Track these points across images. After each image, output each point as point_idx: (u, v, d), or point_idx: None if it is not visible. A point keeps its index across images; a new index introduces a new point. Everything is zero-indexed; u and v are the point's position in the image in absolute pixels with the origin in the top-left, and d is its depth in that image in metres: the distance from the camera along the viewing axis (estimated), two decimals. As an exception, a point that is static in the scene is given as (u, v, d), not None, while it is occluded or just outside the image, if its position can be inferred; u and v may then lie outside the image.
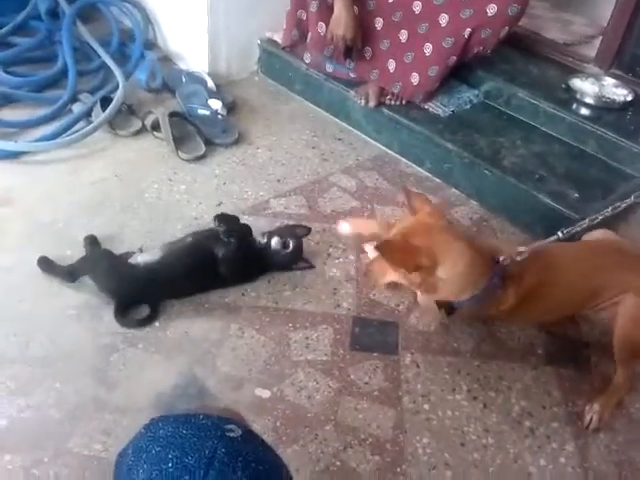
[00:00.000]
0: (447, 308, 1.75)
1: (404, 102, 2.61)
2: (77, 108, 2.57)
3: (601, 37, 2.81)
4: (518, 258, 1.65)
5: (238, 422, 0.97)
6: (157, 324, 1.81)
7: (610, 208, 1.78)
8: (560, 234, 1.70)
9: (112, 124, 2.53)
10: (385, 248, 1.60)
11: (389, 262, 1.64)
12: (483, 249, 1.70)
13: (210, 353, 1.75)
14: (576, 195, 2.19)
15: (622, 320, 1.70)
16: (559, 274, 1.73)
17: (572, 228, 1.73)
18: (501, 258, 1.66)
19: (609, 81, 2.66)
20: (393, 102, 2.62)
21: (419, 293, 1.80)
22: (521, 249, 1.67)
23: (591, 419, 1.69)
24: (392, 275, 1.70)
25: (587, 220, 1.76)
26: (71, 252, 2.01)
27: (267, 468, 0.88)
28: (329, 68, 2.73)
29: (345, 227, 2.07)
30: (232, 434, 0.91)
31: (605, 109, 2.52)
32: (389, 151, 2.64)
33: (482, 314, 1.83)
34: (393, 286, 1.84)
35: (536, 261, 1.69)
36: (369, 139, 2.69)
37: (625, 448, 1.65)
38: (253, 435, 0.96)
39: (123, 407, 1.60)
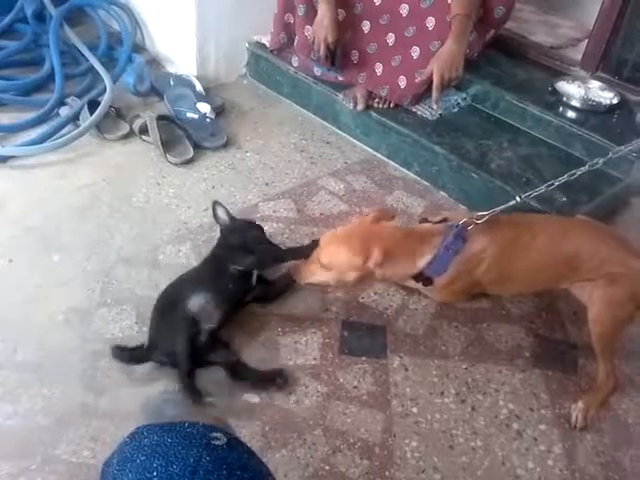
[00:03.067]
0: (423, 280, 1.81)
1: (392, 105, 2.62)
2: (64, 112, 2.56)
3: (587, 40, 2.84)
4: (479, 221, 1.75)
5: (224, 430, 0.97)
6: (144, 328, 1.80)
7: (566, 175, 1.83)
8: (518, 198, 1.78)
9: (100, 128, 2.52)
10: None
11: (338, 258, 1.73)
12: (423, 226, 1.85)
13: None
14: (564, 198, 2.21)
15: (595, 309, 1.73)
16: (532, 236, 1.79)
17: (530, 193, 1.82)
18: (461, 221, 1.76)
19: (595, 84, 2.68)
20: (381, 105, 2.62)
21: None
22: (482, 214, 1.77)
23: (577, 418, 1.71)
24: (321, 277, 1.78)
25: (544, 186, 1.83)
26: (59, 257, 2.01)
27: (252, 476, 0.88)
28: (317, 71, 2.74)
29: None
30: (217, 442, 0.91)
31: (591, 112, 2.54)
32: (377, 154, 2.65)
33: (468, 282, 1.82)
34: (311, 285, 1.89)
35: (507, 223, 1.80)
36: (357, 142, 2.70)
37: (612, 449, 1.66)
38: (239, 443, 0.96)
39: (111, 413, 1.60)
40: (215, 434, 0.93)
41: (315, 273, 1.78)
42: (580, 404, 1.72)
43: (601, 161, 1.85)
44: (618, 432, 1.71)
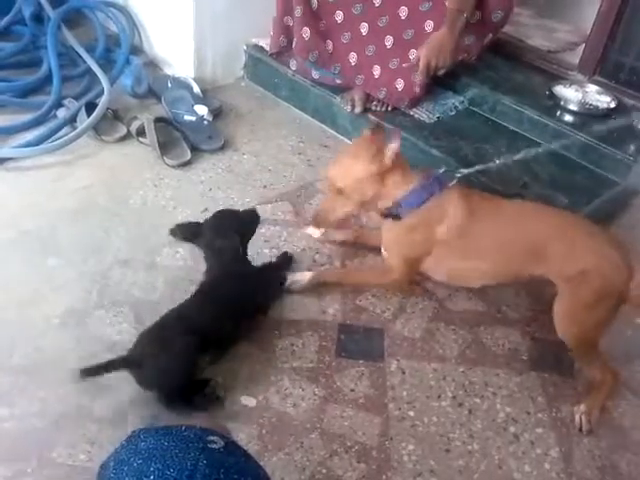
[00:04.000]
0: (393, 214, 1.89)
1: (390, 108, 2.62)
2: (62, 114, 2.56)
3: (584, 44, 2.84)
4: (458, 175, 1.92)
5: (221, 434, 0.97)
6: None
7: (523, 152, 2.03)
8: (497, 160, 1.99)
9: (97, 130, 2.52)
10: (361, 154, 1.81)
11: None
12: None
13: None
14: (565, 200, 2.20)
15: (563, 309, 1.76)
16: (501, 213, 1.87)
17: (508, 156, 2.02)
18: (441, 170, 1.93)
19: (592, 88, 2.69)
20: (379, 108, 2.63)
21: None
22: (462, 170, 1.95)
23: (582, 421, 1.70)
24: (343, 207, 1.88)
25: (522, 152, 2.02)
26: (55, 260, 2.00)
27: (249, 478, 0.88)
28: (315, 74, 2.74)
29: (317, 230, 2.15)
30: (214, 445, 0.91)
31: (588, 116, 2.55)
32: (375, 157, 2.64)
33: (426, 240, 1.89)
34: (342, 223, 1.99)
35: (484, 196, 1.92)
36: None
37: (608, 453, 1.66)
38: (236, 446, 0.96)
39: (107, 416, 1.59)
40: (212, 437, 0.93)
41: (336, 207, 1.88)
42: (582, 407, 1.72)
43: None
44: (614, 436, 1.71)
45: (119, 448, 0.93)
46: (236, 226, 1.84)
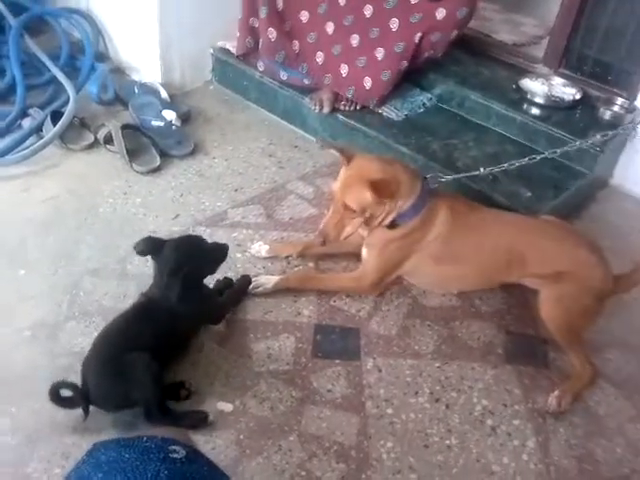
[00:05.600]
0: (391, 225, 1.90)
1: (358, 107, 2.63)
2: (27, 123, 2.52)
3: (549, 37, 2.87)
4: (442, 179, 1.97)
5: (183, 443, 0.96)
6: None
7: (527, 158, 2.11)
8: (482, 169, 2.05)
9: (64, 139, 2.48)
10: (379, 184, 1.77)
11: (384, 196, 1.79)
12: (412, 168, 1.97)
13: (170, 370, 1.71)
14: (529, 194, 2.23)
15: (545, 307, 1.82)
16: (484, 222, 1.94)
17: (492, 168, 2.08)
18: (428, 176, 1.96)
19: (558, 80, 2.72)
20: (348, 107, 2.63)
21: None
22: (447, 177, 2.01)
23: (552, 404, 1.73)
24: (352, 224, 1.85)
25: (506, 164, 2.10)
26: (24, 272, 1.97)
27: (212, 487, 0.87)
28: (283, 75, 2.73)
29: (262, 249, 2.10)
30: (176, 455, 0.90)
31: (555, 108, 2.57)
32: (346, 156, 2.64)
33: (414, 246, 1.92)
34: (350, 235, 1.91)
35: (467, 205, 1.96)
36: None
37: (584, 441, 1.68)
38: (198, 455, 0.95)
39: (82, 429, 1.57)
40: (174, 447, 0.92)
41: (345, 224, 1.85)
42: (556, 392, 1.75)
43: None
44: (590, 424, 1.73)
45: (80, 463, 0.92)
46: (197, 259, 1.70)
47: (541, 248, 1.87)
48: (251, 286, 1.95)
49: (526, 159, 2.10)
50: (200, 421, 1.61)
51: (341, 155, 1.88)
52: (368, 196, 1.78)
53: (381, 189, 1.77)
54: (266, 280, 1.97)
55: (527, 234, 1.92)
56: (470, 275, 1.98)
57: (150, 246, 1.69)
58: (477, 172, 2.05)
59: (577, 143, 2.24)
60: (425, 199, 1.89)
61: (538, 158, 2.11)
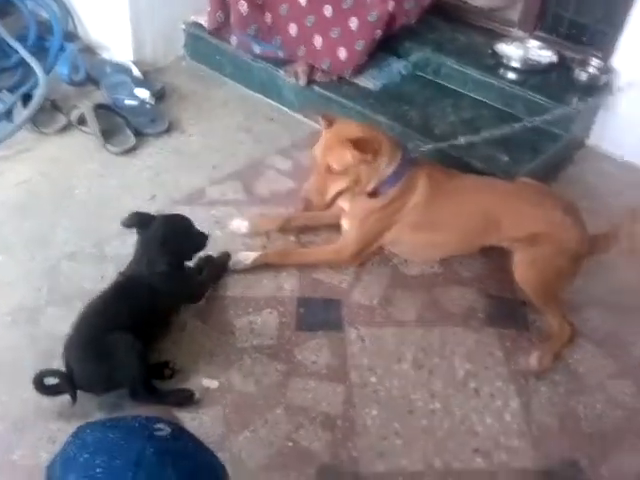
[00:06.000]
0: (373, 193, 1.90)
1: (334, 78, 2.60)
2: (-4, 108, 2.47)
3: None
4: (422, 149, 2.01)
5: (168, 420, 0.97)
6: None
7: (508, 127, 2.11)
8: (462, 139, 2.06)
9: (35, 122, 2.44)
10: (360, 142, 1.78)
11: (366, 152, 1.78)
12: (393, 138, 1.97)
13: (154, 350, 1.71)
14: (506, 158, 2.23)
15: (519, 270, 1.84)
16: (461, 187, 1.95)
17: (471, 137, 2.11)
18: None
19: (534, 44, 2.70)
20: (323, 79, 2.60)
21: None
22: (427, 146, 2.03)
23: (532, 363, 1.76)
24: (336, 184, 1.84)
25: (488, 133, 2.12)
26: (1, 258, 1.95)
27: (198, 464, 0.88)
28: (257, 49, 2.70)
29: (241, 226, 2.08)
30: (161, 433, 0.91)
31: (531, 72, 2.56)
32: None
33: (395, 215, 1.93)
34: (332, 202, 1.90)
35: (445, 172, 1.96)
36: (302, 118, 2.67)
37: (566, 399, 1.72)
38: (183, 432, 0.96)
39: (68, 414, 1.57)
40: (158, 425, 0.93)
41: (329, 186, 1.84)
42: (535, 353, 1.78)
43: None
44: (571, 382, 1.76)
45: (65, 445, 0.93)
46: (184, 238, 1.74)
47: (516, 211, 1.88)
48: (230, 263, 1.95)
49: (507, 128, 2.09)
50: (186, 399, 1.62)
51: (322, 119, 1.89)
52: (349, 155, 1.79)
53: (362, 146, 1.78)
54: (245, 257, 1.97)
55: (502, 198, 1.92)
56: (450, 241, 1.99)
57: (138, 220, 1.70)
58: (456, 141, 2.05)
59: (556, 111, 2.24)
60: (405, 167, 1.89)
61: (517, 127, 2.10)
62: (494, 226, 1.88)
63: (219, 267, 1.93)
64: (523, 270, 1.83)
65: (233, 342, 1.77)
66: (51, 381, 1.55)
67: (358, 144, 1.78)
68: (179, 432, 0.94)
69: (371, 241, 1.98)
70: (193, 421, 1.57)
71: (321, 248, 2.08)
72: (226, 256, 1.95)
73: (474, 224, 1.91)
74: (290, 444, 1.56)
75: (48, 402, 1.59)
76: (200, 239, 1.78)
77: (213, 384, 1.67)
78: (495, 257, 2.04)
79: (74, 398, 1.55)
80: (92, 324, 1.61)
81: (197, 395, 1.63)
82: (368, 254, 2.02)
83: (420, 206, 1.91)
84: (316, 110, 1.95)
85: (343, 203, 1.96)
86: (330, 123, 1.88)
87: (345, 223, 2.01)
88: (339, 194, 1.87)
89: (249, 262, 1.95)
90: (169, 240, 1.67)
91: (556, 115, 2.22)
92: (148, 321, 1.66)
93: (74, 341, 1.59)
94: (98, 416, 1.56)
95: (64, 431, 1.53)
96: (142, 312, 1.64)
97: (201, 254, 1.87)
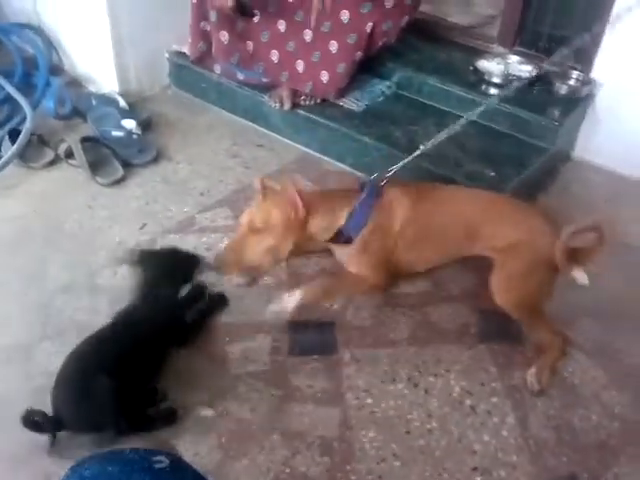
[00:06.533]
0: (343, 239, 1.84)
1: (318, 101, 2.63)
2: (-16, 145, 2.48)
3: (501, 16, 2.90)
4: (388, 174, 1.91)
5: (167, 452, 0.97)
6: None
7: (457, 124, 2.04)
8: (421, 146, 2.00)
9: (23, 157, 2.46)
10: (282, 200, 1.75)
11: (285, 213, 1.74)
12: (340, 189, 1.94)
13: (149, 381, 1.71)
14: (492, 173, 2.26)
15: (499, 291, 1.80)
16: (440, 200, 1.91)
17: (429, 143, 2.02)
18: (371, 177, 1.92)
19: (514, 59, 2.75)
20: (308, 102, 2.63)
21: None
22: (390, 169, 1.93)
23: (532, 383, 1.75)
24: (259, 246, 1.77)
25: (443, 134, 2.04)
26: (-8, 295, 1.96)
27: (197, 496, 0.88)
28: (240, 76, 2.73)
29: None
30: (160, 465, 0.91)
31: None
32: (310, 151, 2.65)
33: (384, 246, 1.86)
34: (251, 268, 1.84)
35: (420, 187, 1.94)
36: (289, 141, 2.70)
37: (562, 412, 1.72)
38: (182, 463, 0.96)
39: (63, 449, 1.56)
40: (157, 457, 0.93)
41: (250, 246, 1.77)
42: (532, 369, 1.77)
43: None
44: (566, 395, 1.76)
45: (64, 478, 0.93)
46: (181, 273, 1.80)
47: (493, 220, 1.86)
48: (276, 308, 1.84)
49: (457, 126, 2.04)
50: (170, 417, 1.62)
51: (260, 186, 1.85)
52: (273, 216, 1.75)
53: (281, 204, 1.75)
54: (288, 302, 1.83)
55: (479, 208, 1.90)
56: (435, 252, 1.96)
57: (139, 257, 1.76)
58: (418, 151, 2.00)
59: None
60: (370, 201, 1.83)
61: (458, 127, 2.05)
62: (473, 236, 1.86)
63: (211, 311, 1.91)
64: (502, 289, 1.80)
65: (228, 369, 1.77)
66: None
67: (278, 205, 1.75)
68: (178, 463, 0.94)
69: (386, 269, 1.90)
70: (189, 451, 1.56)
71: (355, 279, 1.93)
72: (222, 300, 1.94)
73: (456, 234, 1.89)
74: (287, 470, 1.55)
75: (43, 439, 1.58)
76: (195, 261, 1.82)
77: (209, 413, 1.67)
78: (485, 272, 2.04)
79: (52, 440, 1.54)
80: (76, 366, 1.60)
81: (192, 423, 1.63)
82: (391, 272, 1.93)
83: (405, 225, 1.86)
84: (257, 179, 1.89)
85: (331, 247, 1.93)
86: (264, 193, 1.83)
87: (346, 267, 1.93)
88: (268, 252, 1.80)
89: (293, 304, 1.81)
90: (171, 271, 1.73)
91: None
92: (144, 361, 1.65)
93: (59, 382, 1.58)
94: (92, 449, 1.56)
95: (61, 467, 1.48)
96: (135, 352, 1.63)
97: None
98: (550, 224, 1.82)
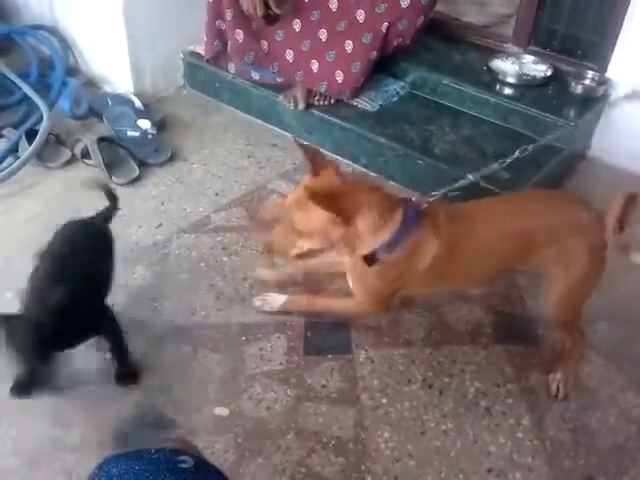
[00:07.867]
0: (369, 260, 1.61)
1: (332, 101, 2.63)
2: (2, 145, 2.50)
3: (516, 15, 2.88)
4: (430, 199, 1.66)
5: (191, 453, 0.98)
6: (107, 356, 1.78)
7: (497, 162, 1.85)
8: (470, 177, 1.77)
9: (41, 157, 2.47)
10: (324, 196, 1.47)
11: (329, 209, 1.48)
12: (390, 194, 1.64)
13: (165, 379, 1.73)
14: (507, 175, 2.25)
15: (557, 298, 1.64)
16: (482, 227, 1.64)
17: (479, 173, 1.81)
18: (413, 198, 1.65)
19: (528, 58, 2.73)
20: (322, 102, 2.63)
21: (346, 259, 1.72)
22: (434, 193, 1.70)
23: (558, 388, 1.74)
24: (302, 242, 1.61)
25: (496, 164, 1.85)
26: (12, 294, 1.97)
27: (221, 497, 0.89)
28: (255, 75, 2.73)
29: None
30: (184, 465, 0.93)
31: (527, 86, 2.59)
32: (324, 151, 2.62)
33: (402, 276, 1.66)
34: (301, 257, 1.70)
35: (457, 211, 1.66)
36: (303, 141, 2.68)
37: (578, 415, 1.71)
38: (206, 465, 0.98)
39: (82, 445, 1.58)
40: (182, 457, 0.94)
41: (294, 242, 1.62)
42: (559, 375, 1.75)
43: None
44: (583, 397, 1.75)
45: (91, 476, 0.95)
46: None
47: (548, 227, 1.62)
48: (258, 303, 1.93)
49: (517, 153, 1.86)
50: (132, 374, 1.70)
51: (309, 161, 1.59)
52: (316, 216, 1.51)
53: (332, 205, 1.48)
54: (274, 300, 1.91)
55: (530, 215, 1.66)
56: (481, 273, 1.76)
57: None
58: (466, 181, 1.76)
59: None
60: (409, 227, 1.58)
61: (526, 151, 1.89)
62: (529, 247, 1.64)
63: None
64: (561, 306, 1.65)
65: (243, 369, 1.78)
66: None
67: (329, 202, 1.47)
68: (202, 464, 0.95)
69: (384, 300, 1.74)
70: (206, 450, 1.57)
71: (344, 301, 1.85)
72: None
73: (506, 251, 1.67)
74: (303, 470, 1.56)
75: (62, 434, 1.60)
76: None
77: (224, 412, 1.68)
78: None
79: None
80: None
81: (207, 422, 1.64)
82: (392, 303, 1.77)
83: (441, 256, 1.61)
84: (306, 148, 1.63)
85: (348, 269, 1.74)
86: (317, 170, 1.58)
87: (348, 277, 1.77)
88: (314, 252, 1.65)
89: (276, 307, 1.91)
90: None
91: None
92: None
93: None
94: (112, 446, 1.58)
95: (80, 463, 1.54)
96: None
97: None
98: (591, 210, 1.63)
